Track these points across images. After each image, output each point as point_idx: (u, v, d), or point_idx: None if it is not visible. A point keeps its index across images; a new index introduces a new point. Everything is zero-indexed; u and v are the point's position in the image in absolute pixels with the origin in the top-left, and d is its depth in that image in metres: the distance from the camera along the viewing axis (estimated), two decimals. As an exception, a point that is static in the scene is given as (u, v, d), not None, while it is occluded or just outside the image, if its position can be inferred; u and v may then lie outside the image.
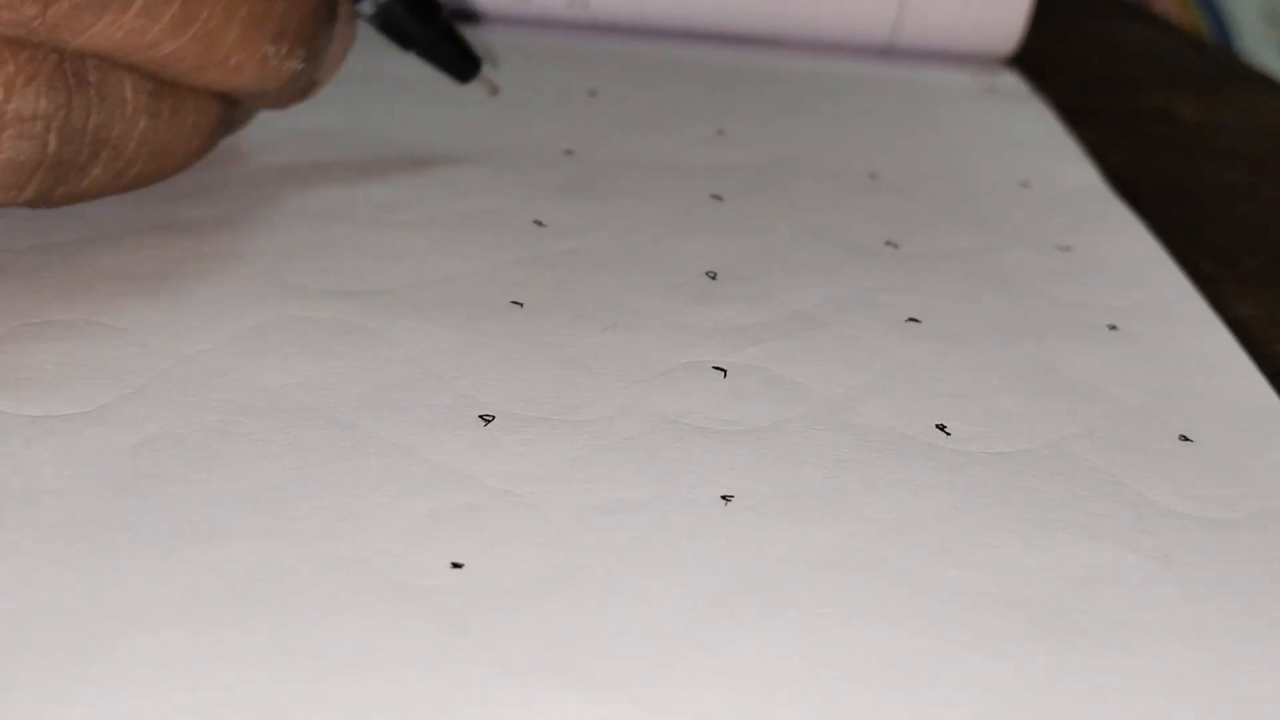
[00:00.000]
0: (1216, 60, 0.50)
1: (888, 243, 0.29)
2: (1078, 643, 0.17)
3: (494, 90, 0.31)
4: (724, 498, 0.20)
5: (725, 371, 0.23)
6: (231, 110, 0.25)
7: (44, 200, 0.22)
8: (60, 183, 0.22)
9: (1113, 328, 0.26)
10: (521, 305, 0.25)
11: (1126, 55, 0.48)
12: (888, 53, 0.41)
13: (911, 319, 0.25)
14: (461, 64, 0.30)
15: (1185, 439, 0.22)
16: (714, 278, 0.26)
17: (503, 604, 0.17)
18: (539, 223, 0.28)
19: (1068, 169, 0.34)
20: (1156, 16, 0.56)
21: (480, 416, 0.21)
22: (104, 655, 0.16)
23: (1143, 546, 0.19)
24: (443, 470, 0.20)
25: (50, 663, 0.16)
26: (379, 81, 0.35)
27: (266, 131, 0.32)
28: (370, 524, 0.19)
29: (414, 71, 0.36)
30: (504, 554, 0.18)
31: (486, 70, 0.30)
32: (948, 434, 0.22)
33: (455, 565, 0.18)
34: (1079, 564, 0.19)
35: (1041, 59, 0.42)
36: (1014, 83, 0.40)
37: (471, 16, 0.40)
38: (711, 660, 0.17)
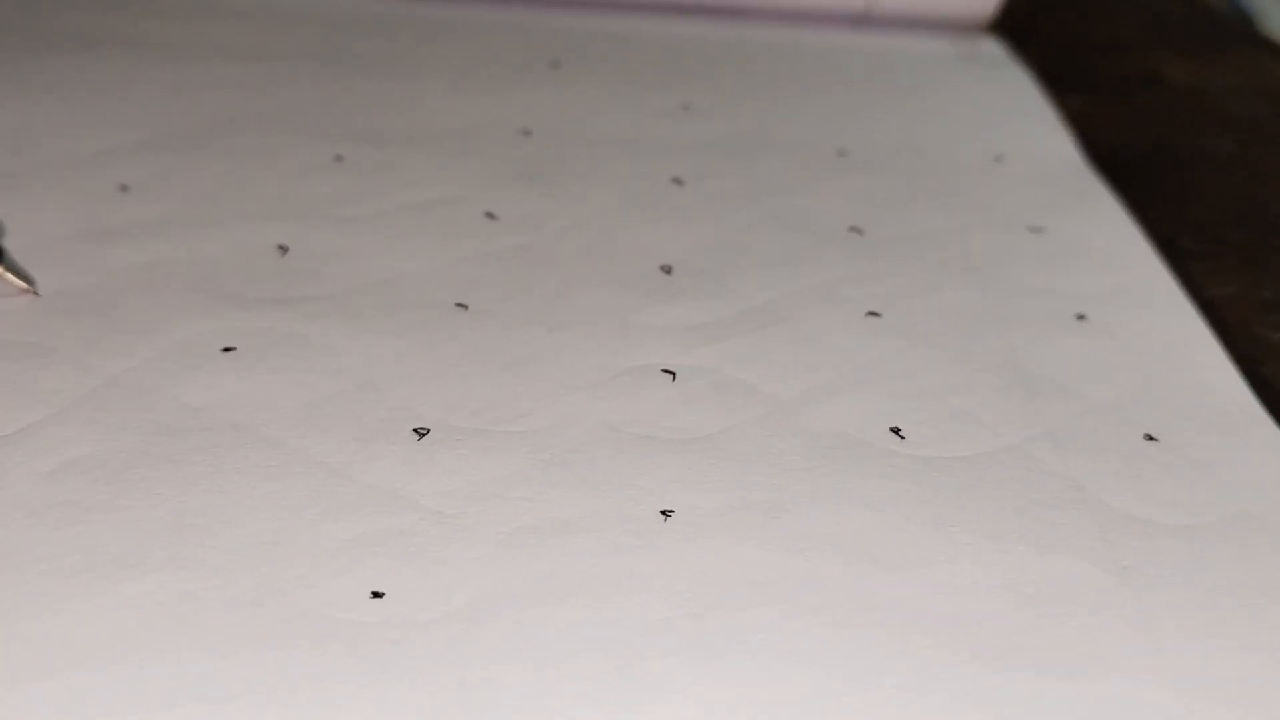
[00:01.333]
0: (1210, 20, 0.48)
1: (852, 228, 0.28)
2: (1028, 669, 0.17)
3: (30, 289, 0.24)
4: (664, 513, 0.19)
5: (674, 375, 0.22)
6: None
7: None
8: None
9: (1081, 317, 0.25)
10: (467, 307, 0.24)
11: (1116, 15, 0.46)
12: (864, 21, 0.40)
13: (872, 313, 0.24)
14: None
15: (1151, 438, 0.21)
16: (669, 272, 0.26)
17: (424, 637, 0.17)
18: (491, 215, 0.28)
19: (1045, 141, 0.32)
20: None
21: (415, 430, 0.21)
22: (20, 698, 0.15)
23: (1100, 557, 0.18)
24: (372, 490, 0.19)
25: (-53, 715, 0.15)
26: (335, 61, 0.34)
27: (216, 119, 0.31)
28: (292, 551, 0.18)
29: (374, 48, 0.35)
30: (429, 582, 0.18)
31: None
32: (902, 438, 0.21)
33: (375, 595, 0.17)
34: (1032, 580, 0.18)
35: (1027, 22, 0.41)
36: (994, 50, 0.38)
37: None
38: (649, 696, 0.16)
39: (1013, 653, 0.17)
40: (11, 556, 0.18)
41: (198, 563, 0.18)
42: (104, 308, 0.23)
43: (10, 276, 0.23)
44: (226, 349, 0.22)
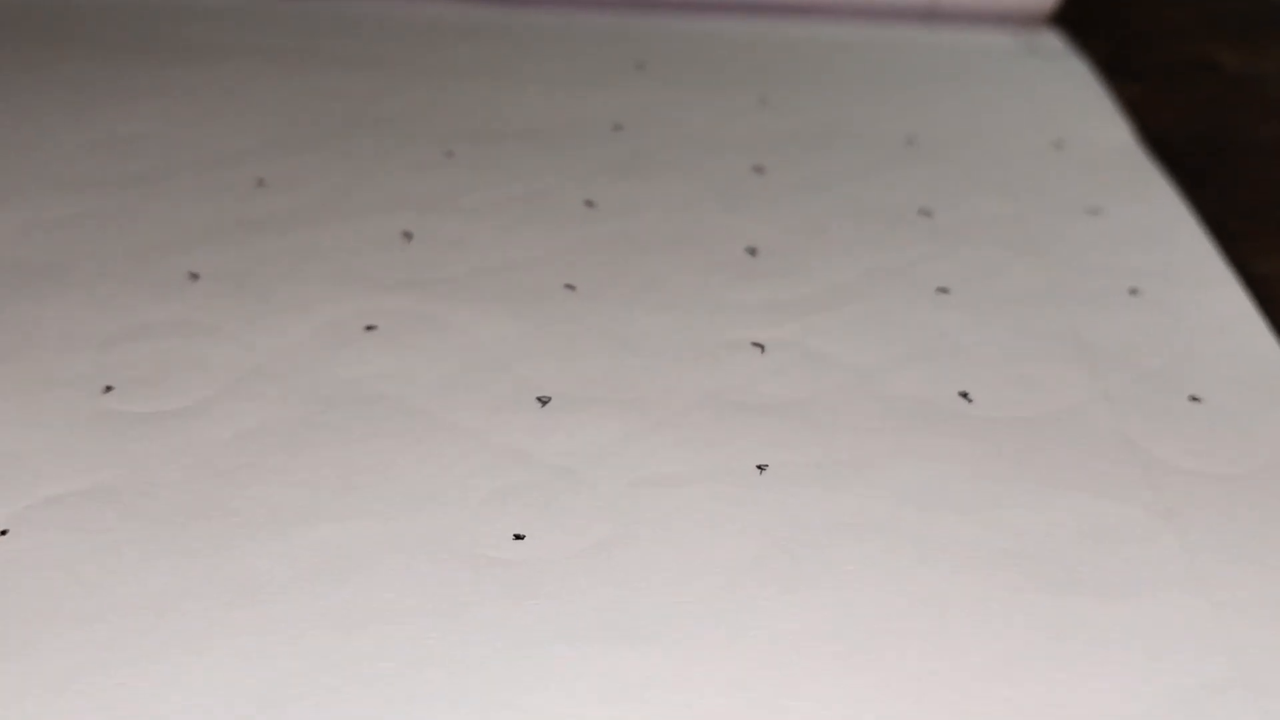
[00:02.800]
0: (1264, 9, 0.50)
1: (921, 211, 0.30)
2: (1080, 593, 0.19)
3: None
4: (759, 467, 0.22)
5: (763, 347, 0.25)
6: None
7: None
8: None
9: (1134, 292, 0.27)
10: (575, 289, 0.27)
11: (1172, 5, 0.48)
12: (930, 16, 0.42)
13: (941, 289, 0.27)
14: None
15: (1195, 399, 0.24)
16: (754, 254, 0.28)
17: (561, 571, 0.20)
18: (590, 203, 0.30)
19: (1102, 128, 0.35)
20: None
21: (538, 399, 0.24)
22: (222, 627, 0.18)
23: (1147, 502, 0.21)
24: (506, 450, 0.22)
25: (173, 638, 0.18)
26: (438, 67, 0.37)
27: (336, 122, 0.34)
28: (444, 503, 0.21)
29: (472, 54, 0.38)
30: (562, 526, 0.20)
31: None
32: (970, 401, 0.23)
33: (518, 537, 0.20)
34: (1086, 521, 0.21)
35: (1085, 13, 0.43)
36: (1054, 41, 0.40)
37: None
38: (750, 617, 0.19)
39: (1071, 582, 0.19)
40: (208, 510, 0.21)
41: (365, 513, 0.21)
42: (259, 290, 0.26)
43: None
44: (369, 327, 0.25)
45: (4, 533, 0.20)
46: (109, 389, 0.23)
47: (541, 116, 0.35)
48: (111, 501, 0.21)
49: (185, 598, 0.19)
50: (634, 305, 0.26)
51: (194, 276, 0.27)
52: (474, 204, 0.30)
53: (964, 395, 0.24)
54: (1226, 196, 0.32)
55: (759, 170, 0.32)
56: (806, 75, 0.38)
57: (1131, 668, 0.18)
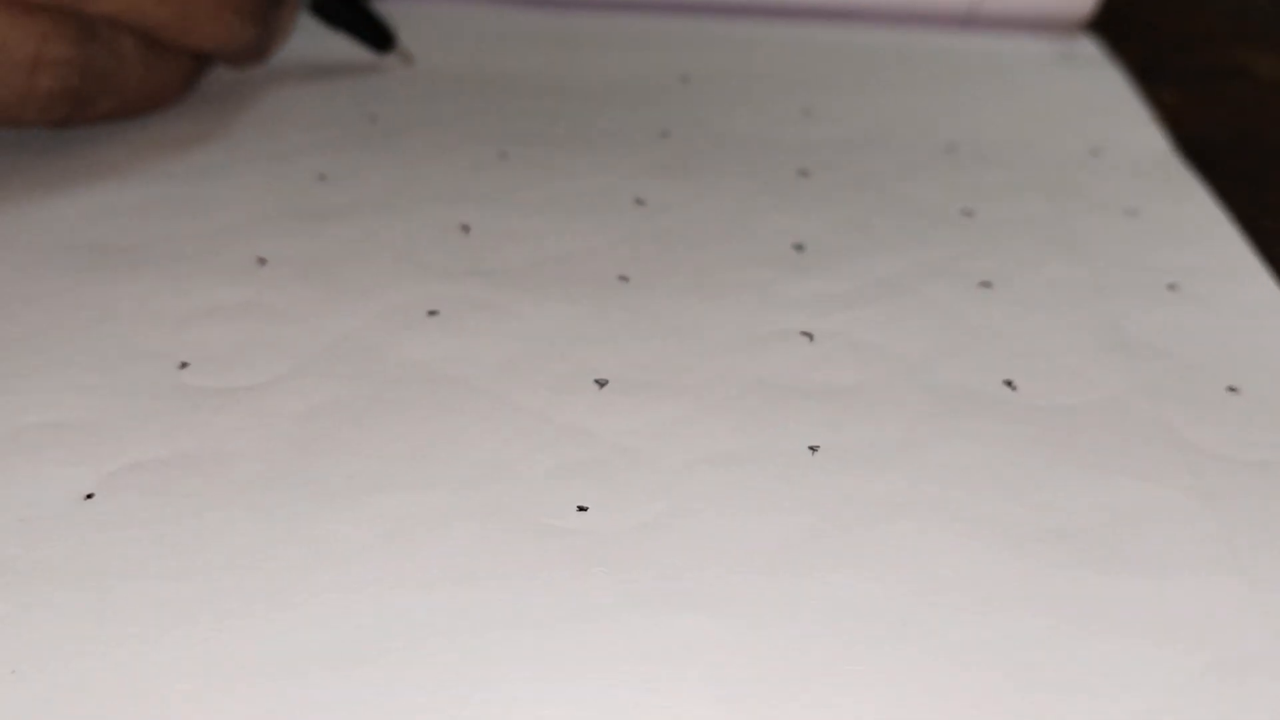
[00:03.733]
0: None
1: (963, 211, 0.31)
2: (1121, 571, 0.20)
3: (409, 59, 0.37)
4: (811, 448, 0.23)
5: (812, 336, 0.26)
6: (203, 63, 0.33)
7: (67, 121, 0.30)
8: (79, 110, 0.30)
9: (1172, 288, 0.28)
10: (628, 280, 0.28)
11: (1207, 10, 0.49)
12: (968, 22, 0.43)
13: (984, 283, 0.28)
14: (380, 38, 0.37)
15: (1233, 390, 0.24)
16: (801, 250, 0.29)
17: (624, 541, 0.20)
18: (640, 201, 0.31)
19: (1138, 134, 0.35)
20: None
21: (596, 381, 0.24)
22: (303, 586, 0.19)
23: (1187, 487, 0.22)
24: (567, 429, 0.23)
25: (256, 595, 0.19)
26: (487, 73, 0.38)
27: (392, 123, 0.35)
28: (509, 476, 0.22)
29: (517, 62, 0.39)
30: (623, 499, 0.21)
31: (400, 43, 0.37)
32: (1014, 389, 0.24)
33: (581, 509, 0.21)
34: (1127, 503, 0.21)
35: (1121, 20, 0.44)
36: (1090, 48, 0.41)
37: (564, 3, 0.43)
38: (805, 586, 0.20)
39: (1114, 560, 0.20)
40: (285, 477, 0.22)
41: (435, 484, 0.22)
42: (325, 275, 0.27)
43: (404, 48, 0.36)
44: (431, 312, 0.26)
45: (90, 496, 0.21)
46: (185, 364, 0.24)
47: (589, 121, 0.36)
48: (192, 468, 0.22)
49: (266, 559, 0.20)
50: (685, 295, 0.27)
51: (262, 261, 0.28)
52: (528, 200, 0.31)
53: (1008, 383, 0.24)
54: (1259, 197, 0.33)
55: (804, 173, 0.33)
56: (848, 81, 0.39)
57: (1174, 641, 0.19)
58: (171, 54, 0.31)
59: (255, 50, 0.33)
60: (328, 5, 0.35)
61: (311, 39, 0.40)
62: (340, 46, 0.39)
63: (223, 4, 0.30)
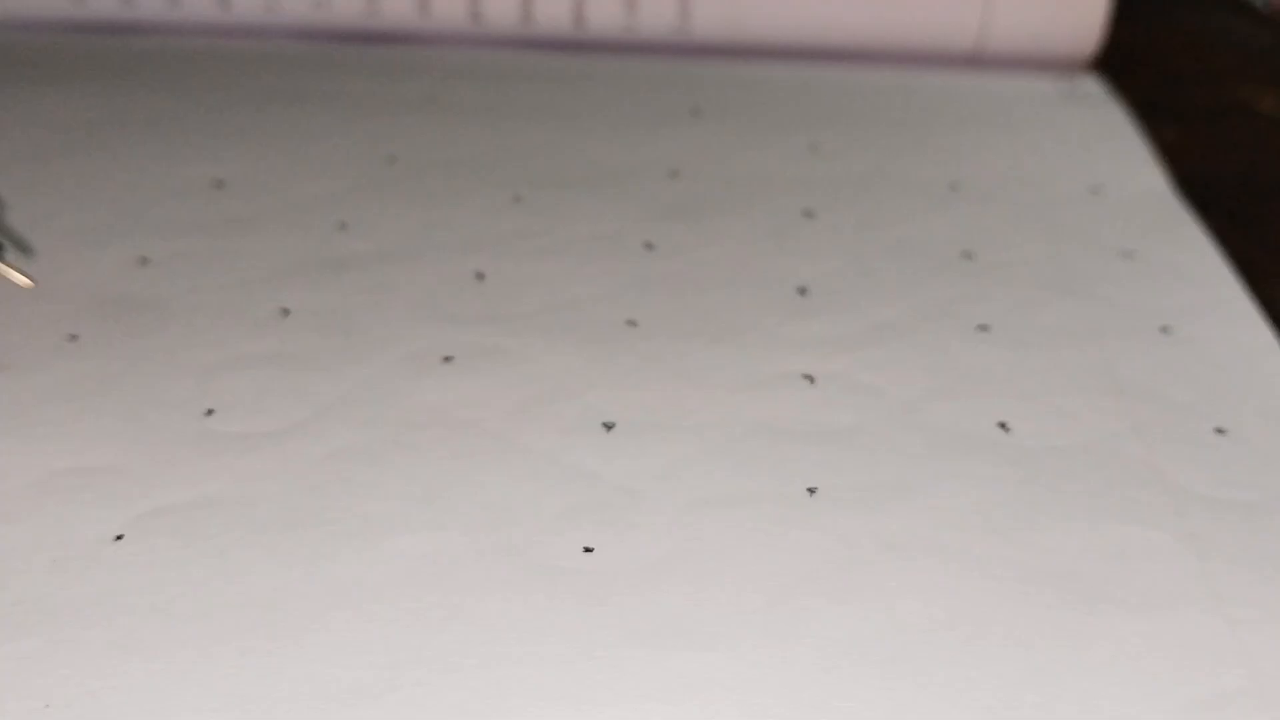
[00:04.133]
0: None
1: (963, 254, 0.32)
2: (1105, 609, 0.21)
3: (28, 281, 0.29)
4: (809, 490, 0.23)
5: (813, 379, 0.27)
6: None
7: None
8: None
9: (1164, 330, 0.28)
10: (636, 324, 0.29)
11: (1212, 48, 0.50)
12: (972, 62, 0.44)
13: (981, 326, 0.29)
14: None
15: (1220, 431, 0.25)
16: (804, 293, 0.30)
17: (628, 581, 0.21)
18: (649, 245, 0.32)
19: (1137, 174, 0.36)
20: (1245, 5, 0.58)
21: (603, 424, 0.25)
22: (321, 625, 0.20)
23: (1172, 527, 0.22)
24: (574, 471, 0.24)
25: (278, 634, 0.20)
26: (499, 112, 0.39)
27: (409, 166, 0.36)
28: (519, 517, 0.23)
29: (532, 100, 0.40)
30: (627, 541, 0.22)
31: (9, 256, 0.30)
32: (1007, 431, 0.25)
33: (587, 549, 0.22)
34: (1113, 544, 0.22)
35: (1126, 54, 0.45)
36: (1093, 87, 0.42)
37: (577, 46, 0.44)
38: (802, 626, 0.20)
39: (1098, 599, 0.21)
40: (305, 520, 0.23)
41: (448, 526, 0.23)
42: (345, 324, 0.28)
43: (10, 271, 0.29)
44: (446, 358, 0.27)
45: (119, 538, 0.22)
46: (210, 412, 0.26)
47: (602, 162, 0.37)
48: (216, 512, 0.23)
49: (287, 598, 0.21)
50: (691, 339, 0.28)
51: (285, 312, 0.29)
52: (541, 245, 0.32)
53: (1002, 425, 0.25)
54: (1257, 236, 0.33)
55: (809, 214, 0.34)
56: (854, 120, 0.40)
57: (1154, 678, 0.20)
58: None
59: None
60: None
61: (333, 72, 0.41)
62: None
63: None
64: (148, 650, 0.20)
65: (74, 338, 0.28)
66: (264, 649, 0.20)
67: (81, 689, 0.19)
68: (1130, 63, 0.45)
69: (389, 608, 0.21)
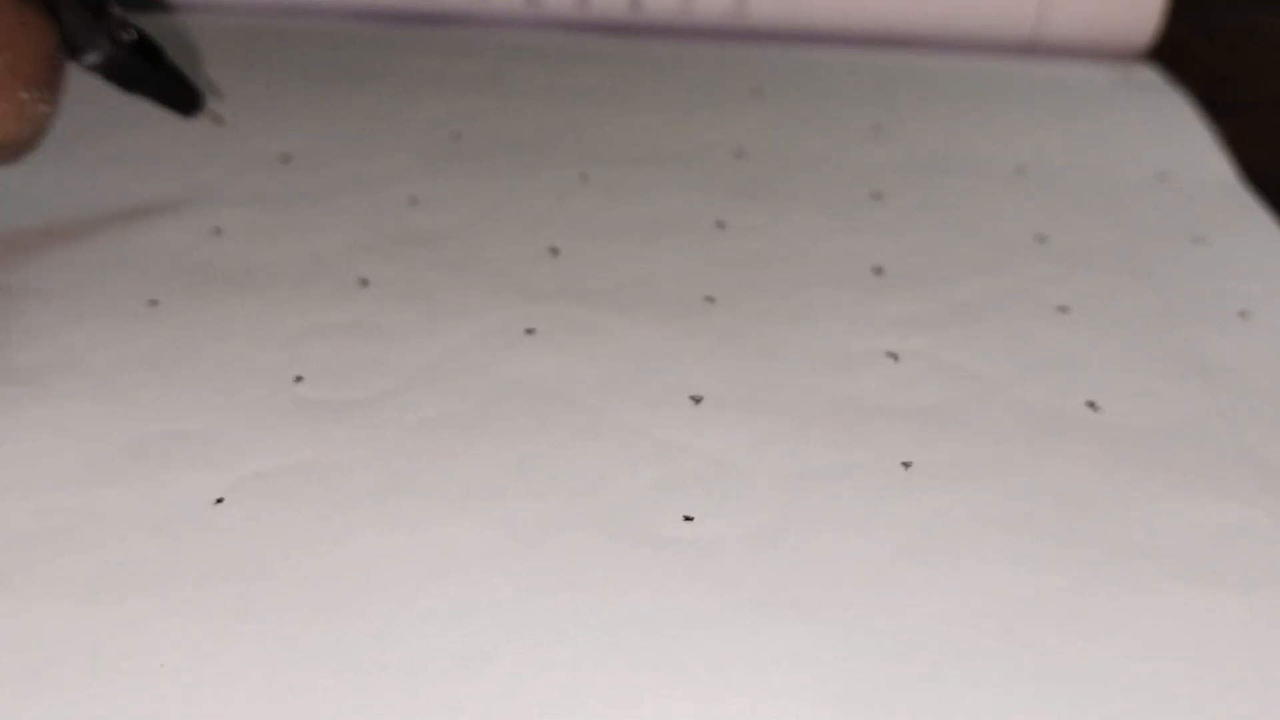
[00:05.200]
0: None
1: (1036, 237, 0.32)
2: (1213, 587, 0.21)
3: (219, 120, 0.33)
4: (904, 465, 0.24)
5: (897, 357, 0.27)
6: None
7: None
8: None
9: (1243, 315, 0.28)
10: (714, 301, 0.29)
11: (1264, 44, 0.50)
12: (1028, 49, 0.44)
13: (1061, 308, 0.29)
14: (186, 100, 0.32)
15: (1308, 413, 0.25)
16: (879, 273, 0.30)
17: (730, 550, 0.21)
18: (720, 224, 0.32)
19: (1202, 162, 0.36)
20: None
21: (691, 398, 0.25)
22: (428, 589, 0.21)
23: (1269, 506, 0.23)
24: (666, 443, 0.24)
25: (385, 597, 0.20)
26: (563, 92, 0.39)
27: (476, 144, 0.36)
28: (615, 486, 0.23)
29: (594, 81, 0.40)
30: (725, 511, 0.22)
31: (209, 102, 0.32)
32: (1097, 410, 0.25)
33: (687, 519, 0.22)
34: (1213, 522, 0.22)
35: (1180, 50, 0.45)
36: (1150, 76, 0.42)
37: (633, 29, 0.44)
38: (905, 597, 0.21)
39: (1203, 576, 0.21)
40: (402, 487, 0.23)
41: (544, 493, 0.23)
42: (424, 297, 0.29)
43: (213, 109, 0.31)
44: (528, 331, 0.27)
45: (220, 501, 0.22)
46: (299, 379, 0.26)
47: (666, 141, 0.37)
48: (313, 477, 0.23)
49: (390, 563, 0.21)
50: (770, 317, 0.28)
51: (364, 283, 0.29)
52: (612, 223, 0.32)
53: (1091, 405, 0.25)
54: (1325, 229, 0.33)
55: (877, 196, 0.34)
56: (916, 104, 0.40)
57: (1263, 656, 0.20)
58: None
59: (36, 135, 0.28)
60: (128, 67, 0.30)
61: (398, 51, 0.41)
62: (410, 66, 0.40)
63: (11, 76, 0.26)
64: (258, 613, 0.20)
65: (154, 303, 0.28)
66: (372, 613, 0.20)
67: (197, 651, 0.19)
68: (1183, 56, 0.45)
69: (491, 575, 0.21)
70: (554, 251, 0.31)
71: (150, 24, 0.42)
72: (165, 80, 0.31)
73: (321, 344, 0.27)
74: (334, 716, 0.18)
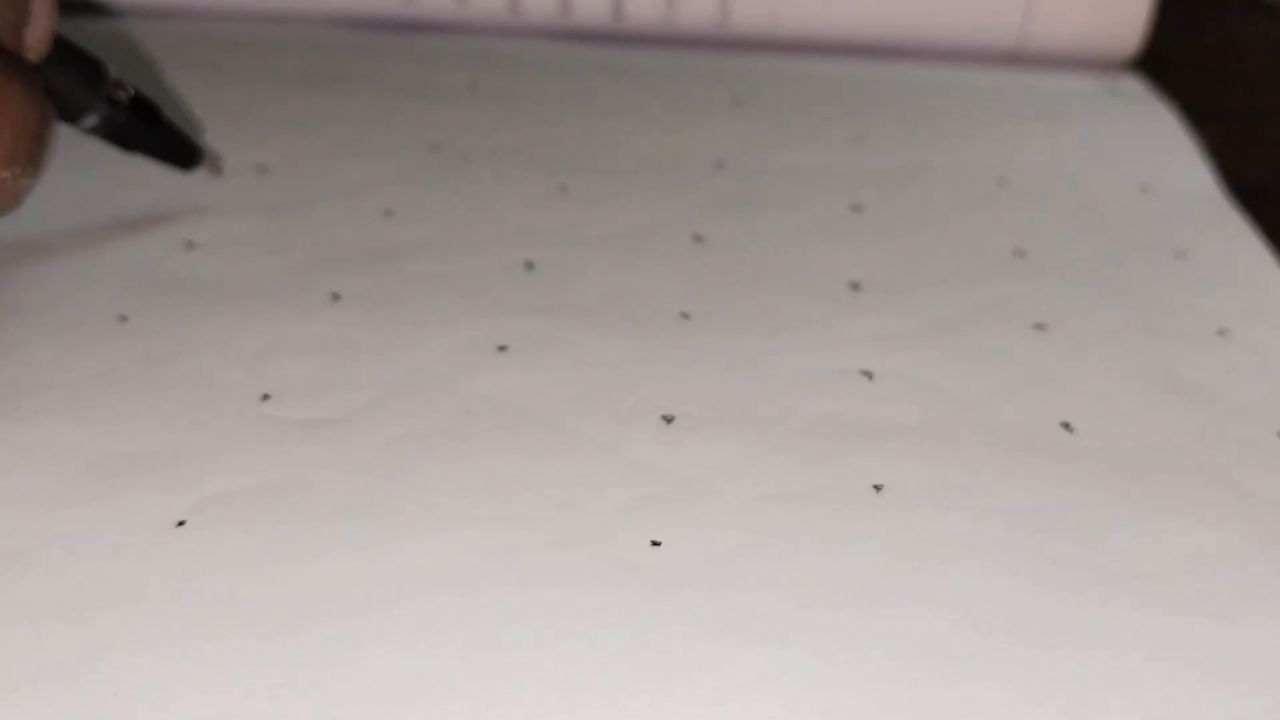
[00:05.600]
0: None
1: (1015, 251, 0.32)
2: (1185, 612, 0.21)
3: (217, 172, 0.33)
4: (875, 487, 0.23)
5: (871, 375, 0.27)
6: None
7: None
8: None
9: (1222, 332, 0.28)
10: (689, 317, 0.29)
11: (1250, 52, 0.49)
12: (1012, 59, 0.43)
13: (1038, 325, 0.28)
14: (185, 155, 0.32)
15: (1284, 435, 0.25)
16: (857, 288, 0.30)
17: (698, 576, 0.21)
18: (698, 237, 0.32)
19: (1185, 173, 0.36)
20: (1276, 10, 0.57)
21: (663, 417, 0.25)
22: (391, 615, 0.20)
23: (1246, 531, 0.22)
24: (635, 463, 0.24)
25: (349, 624, 0.20)
26: (541, 101, 0.39)
27: (453, 154, 0.36)
28: (583, 510, 0.23)
29: (573, 90, 0.40)
30: (695, 534, 0.22)
31: (208, 155, 0.32)
32: (1071, 431, 0.25)
33: (655, 544, 0.22)
34: (1188, 546, 0.22)
35: (1166, 58, 0.44)
36: (1136, 86, 0.42)
37: (618, 38, 0.44)
38: (875, 623, 0.20)
39: (1175, 600, 0.21)
40: (369, 508, 0.23)
41: (512, 517, 0.22)
42: (396, 311, 0.28)
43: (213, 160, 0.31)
44: (501, 347, 0.27)
45: (181, 523, 0.22)
46: (266, 397, 0.25)
47: (646, 152, 0.37)
48: (278, 498, 0.23)
49: (355, 588, 0.21)
50: (745, 333, 0.28)
51: (335, 297, 0.29)
52: (589, 236, 0.32)
53: (1065, 425, 0.25)
54: (1305, 242, 0.33)
55: (856, 208, 0.34)
56: (897, 114, 0.39)
57: (1238, 683, 0.19)
58: None
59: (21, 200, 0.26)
60: (124, 131, 0.30)
61: (374, 59, 0.41)
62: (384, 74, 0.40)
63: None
64: (217, 637, 0.20)
65: (124, 319, 0.28)
66: (336, 638, 0.20)
67: (151, 676, 0.19)
68: (1168, 67, 0.45)
69: (459, 599, 0.21)
70: (529, 266, 0.30)
71: (116, 32, 0.42)
72: (164, 138, 0.31)
73: (290, 360, 0.26)
74: (292, 746, 0.18)
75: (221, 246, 0.31)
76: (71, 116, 0.28)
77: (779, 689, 0.19)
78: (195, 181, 0.33)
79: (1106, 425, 0.25)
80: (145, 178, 0.33)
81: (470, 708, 0.19)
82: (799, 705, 0.19)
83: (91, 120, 0.29)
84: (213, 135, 0.36)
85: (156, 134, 0.31)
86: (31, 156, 0.25)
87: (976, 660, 0.20)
